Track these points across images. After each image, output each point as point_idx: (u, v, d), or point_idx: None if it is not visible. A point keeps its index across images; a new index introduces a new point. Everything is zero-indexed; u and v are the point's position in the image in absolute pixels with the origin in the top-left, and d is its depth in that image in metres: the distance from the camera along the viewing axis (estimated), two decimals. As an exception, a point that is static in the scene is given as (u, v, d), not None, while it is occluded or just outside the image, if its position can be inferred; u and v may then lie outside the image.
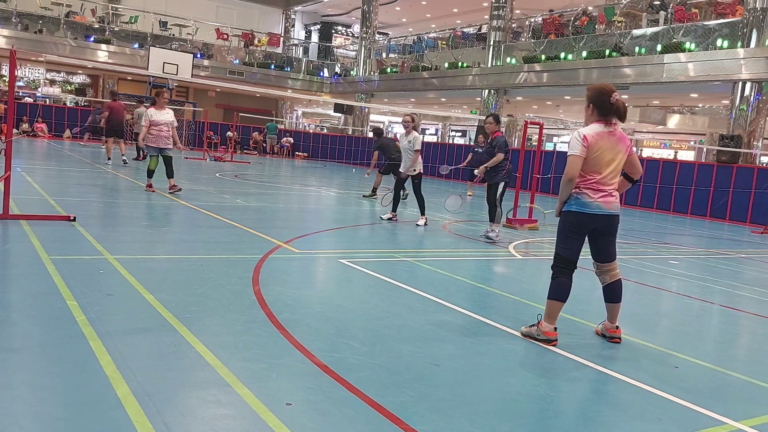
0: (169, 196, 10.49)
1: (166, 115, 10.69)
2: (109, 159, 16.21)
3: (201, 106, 31.35)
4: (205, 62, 31.21)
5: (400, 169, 9.79)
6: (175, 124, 10.93)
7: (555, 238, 4.42)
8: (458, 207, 7.53)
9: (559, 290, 4.23)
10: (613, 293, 4.42)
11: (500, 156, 8.35)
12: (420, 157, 9.44)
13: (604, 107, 4.16)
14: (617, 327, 4.44)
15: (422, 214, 9.78)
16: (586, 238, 4.36)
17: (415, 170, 9.48)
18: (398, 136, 9.69)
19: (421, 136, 9.84)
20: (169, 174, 10.79)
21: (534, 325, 4.30)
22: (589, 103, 4.23)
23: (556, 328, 4.21)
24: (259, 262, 5.90)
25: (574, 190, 4.23)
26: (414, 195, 9.85)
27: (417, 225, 9.72)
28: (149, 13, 30.79)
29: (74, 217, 7.12)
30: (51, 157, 17.09)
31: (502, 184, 8.65)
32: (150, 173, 10.84)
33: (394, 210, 10.03)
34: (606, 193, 4.18)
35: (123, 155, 16.43)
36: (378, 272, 5.96)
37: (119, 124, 16.55)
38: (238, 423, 2.69)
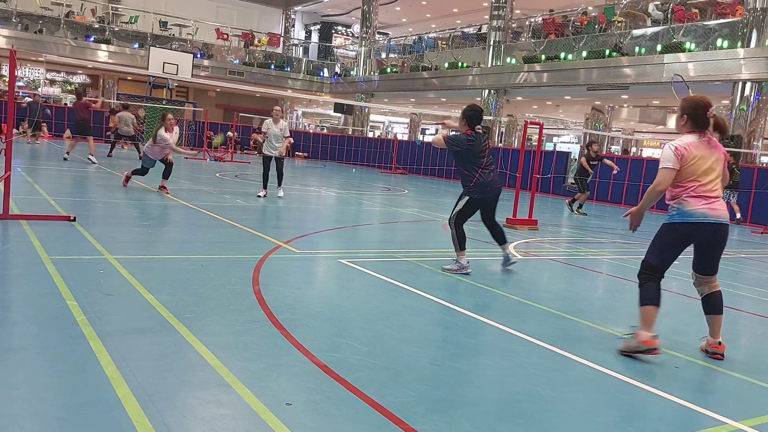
0: (163, 193, 10.58)
1: (174, 137, 10.97)
2: (68, 153, 16.30)
3: (201, 106, 31.34)
4: (205, 62, 31.20)
5: (274, 153, 11.73)
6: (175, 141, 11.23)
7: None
8: None
9: (651, 295, 4.04)
10: (713, 304, 4.22)
11: None
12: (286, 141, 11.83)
13: (700, 120, 4.07)
14: (720, 342, 4.21)
15: (279, 185, 11.96)
16: (692, 248, 4.19)
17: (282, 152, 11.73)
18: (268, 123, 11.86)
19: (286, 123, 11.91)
20: (165, 176, 11.05)
21: (631, 335, 4.09)
22: (683, 113, 4.13)
23: (655, 336, 3.97)
24: (259, 262, 5.90)
25: (674, 201, 4.06)
26: (277, 171, 11.85)
27: (278, 197, 11.76)
28: (149, 13, 30.78)
29: (74, 217, 7.12)
30: (51, 157, 17.09)
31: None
32: (143, 172, 11.17)
33: (264, 187, 11.91)
34: (710, 200, 4.00)
35: (91, 154, 16.21)
36: (378, 272, 5.95)
37: (85, 122, 16.62)
38: (238, 423, 2.69)
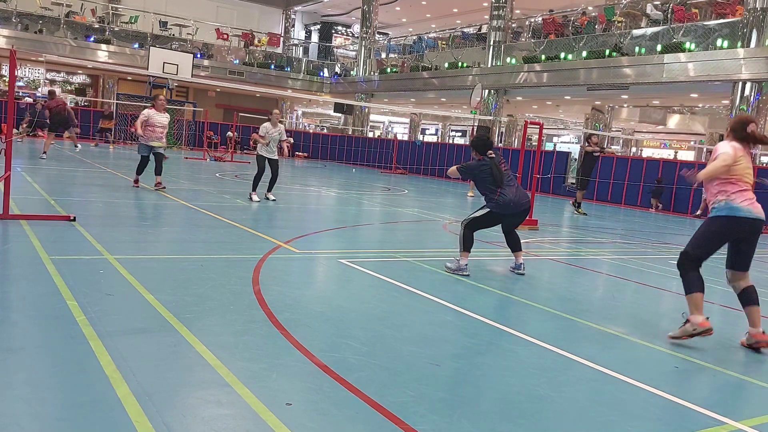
0: (163, 193, 10.59)
1: (163, 118, 11.21)
2: (45, 153, 16.44)
3: (201, 106, 31.33)
4: (205, 62, 31.19)
5: (270, 155, 11.25)
6: (165, 125, 11.45)
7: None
8: None
9: (695, 282, 4.46)
10: (749, 296, 4.57)
11: None
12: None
13: (740, 134, 4.56)
14: (763, 332, 4.50)
15: (270, 190, 11.42)
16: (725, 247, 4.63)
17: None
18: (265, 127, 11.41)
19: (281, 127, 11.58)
20: (157, 172, 11.08)
21: (682, 325, 4.47)
22: (730, 129, 4.67)
23: (707, 318, 4.39)
24: (259, 262, 5.90)
25: (723, 196, 4.46)
26: (272, 174, 11.33)
27: (267, 199, 11.24)
28: (149, 13, 30.78)
29: (74, 217, 7.12)
30: (51, 157, 17.09)
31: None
32: (139, 170, 11.30)
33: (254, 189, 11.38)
34: (753, 199, 4.47)
35: (77, 145, 17.23)
36: (378, 272, 5.95)
37: (62, 119, 16.89)
38: (238, 423, 2.69)
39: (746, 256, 4.55)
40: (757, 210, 4.43)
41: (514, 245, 6.65)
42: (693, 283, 4.47)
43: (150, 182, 11.33)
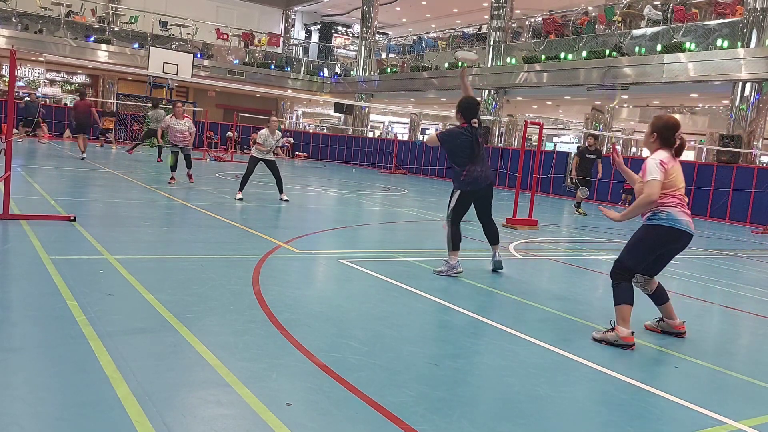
0: (163, 193, 10.61)
1: (182, 125, 12.52)
2: (83, 153, 17.24)
3: (201, 106, 31.32)
4: (205, 62, 31.20)
5: (262, 156, 11.30)
6: (192, 129, 12.79)
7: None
8: None
9: (626, 294, 4.35)
10: (662, 295, 4.68)
11: None
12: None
13: (668, 141, 4.38)
14: (684, 322, 4.71)
15: (281, 191, 11.48)
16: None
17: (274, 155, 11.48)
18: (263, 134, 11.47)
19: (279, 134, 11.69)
20: (188, 165, 13.05)
21: (609, 330, 4.35)
22: (653, 131, 4.41)
23: (632, 332, 4.28)
24: (259, 262, 5.90)
25: (665, 208, 4.32)
26: (275, 176, 11.44)
27: (281, 200, 11.34)
28: (149, 13, 30.79)
29: (74, 217, 7.12)
30: (51, 157, 17.11)
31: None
32: (172, 168, 12.55)
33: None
34: (688, 214, 4.41)
35: (83, 153, 17.25)
36: (378, 272, 5.95)
37: (85, 122, 17.48)
38: (238, 423, 2.69)
39: (664, 265, 4.60)
40: (692, 227, 4.37)
41: (492, 238, 6.54)
42: (622, 294, 4.34)
43: (150, 183, 11.32)
